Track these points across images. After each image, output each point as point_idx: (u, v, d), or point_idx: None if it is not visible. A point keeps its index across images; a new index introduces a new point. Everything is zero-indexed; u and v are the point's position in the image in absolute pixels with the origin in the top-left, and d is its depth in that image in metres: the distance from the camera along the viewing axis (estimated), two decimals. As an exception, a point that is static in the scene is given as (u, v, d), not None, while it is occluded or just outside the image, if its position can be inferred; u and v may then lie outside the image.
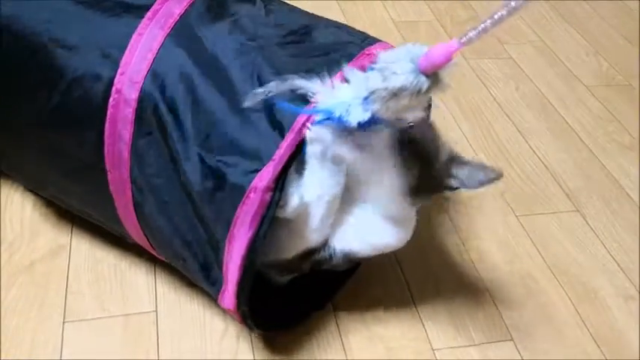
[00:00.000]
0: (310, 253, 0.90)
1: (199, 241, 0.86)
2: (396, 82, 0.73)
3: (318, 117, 0.78)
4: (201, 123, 0.81)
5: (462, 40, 0.70)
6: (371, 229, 0.90)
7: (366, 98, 0.75)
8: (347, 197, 0.88)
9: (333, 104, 0.77)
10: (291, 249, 0.90)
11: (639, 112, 1.52)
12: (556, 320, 1.06)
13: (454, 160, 0.88)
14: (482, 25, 0.69)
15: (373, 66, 0.76)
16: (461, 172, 0.86)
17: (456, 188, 0.88)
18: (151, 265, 1.06)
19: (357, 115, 0.76)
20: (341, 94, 0.78)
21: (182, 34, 0.85)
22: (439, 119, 1.43)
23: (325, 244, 0.90)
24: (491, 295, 1.08)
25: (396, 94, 0.73)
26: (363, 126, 0.77)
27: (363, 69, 0.79)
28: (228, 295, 0.86)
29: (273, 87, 0.78)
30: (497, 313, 1.05)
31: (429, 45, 0.74)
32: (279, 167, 0.77)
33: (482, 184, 0.86)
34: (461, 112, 1.46)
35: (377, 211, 0.89)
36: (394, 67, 0.73)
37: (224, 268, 0.84)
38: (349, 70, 0.79)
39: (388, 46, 0.88)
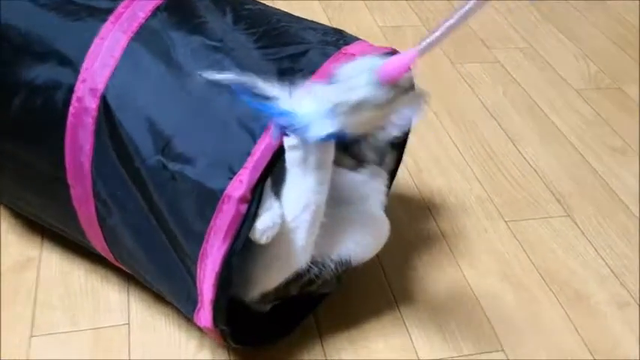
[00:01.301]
0: (299, 276, 0.85)
1: (168, 258, 0.81)
2: (355, 96, 0.70)
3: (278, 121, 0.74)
4: (163, 127, 0.77)
5: (420, 49, 0.68)
6: (366, 226, 0.87)
7: (329, 110, 0.72)
8: (335, 199, 0.84)
9: (295, 114, 0.74)
10: (278, 277, 0.84)
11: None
12: (548, 328, 1.02)
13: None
14: (439, 32, 0.67)
15: (334, 79, 0.73)
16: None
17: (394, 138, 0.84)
18: (124, 278, 1.01)
19: (319, 129, 0.72)
20: (302, 105, 0.74)
21: (146, 38, 0.81)
22: (426, 124, 1.40)
23: (314, 259, 0.85)
24: (480, 303, 1.04)
25: (356, 107, 0.71)
26: (324, 140, 0.73)
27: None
28: (204, 314, 0.81)
29: (232, 78, 0.74)
30: (486, 322, 1.01)
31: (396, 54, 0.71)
32: (256, 176, 0.72)
33: (411, 116, 0.78)
34: (449, 117, 1.43)
35: (374, 203, 0.86)
36: (353, 81, 0.71)
37: (198, 286, 0.79)
38: (312, 83, 0.76)
39: (366, 45, 0.84)
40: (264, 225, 0.74)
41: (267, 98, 0.74)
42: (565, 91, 1.55)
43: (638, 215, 1.23)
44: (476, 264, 1.11)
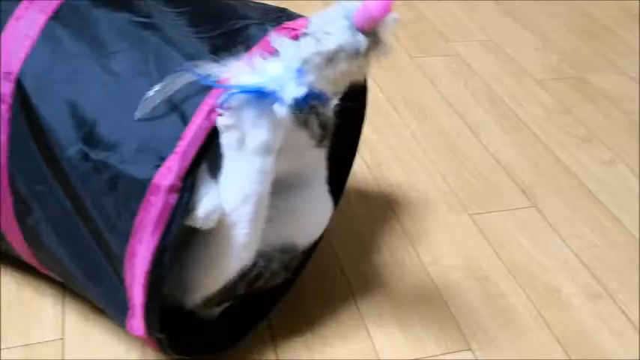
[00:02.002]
0: (244, 273, 0.77)
1: (94, 259, 0.73)
2: (330, 44, 0.65)
3: (238, 98, 0.67)
4: (85, 112, 0.69)
5: None
6: (313, 206, 0.81)
7: (299, 70, 0.67)
8: (277, 185, 0.76)
9: (261, 81, 0.67)
10: (220, 279, 0.76)
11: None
12: (518, 324, 0.96)
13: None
14: None
15: (305, 31, 0.68)
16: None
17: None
18: (59, 290, 0.92)
19: (292, 91, 0.67)
20: (269, 69, 0.68)
21: (67, 17, 0.73)
22: (385, 118, 1.35)
23: (258, 252, 0.78)
24: (445, 300, 0.98)
25: (331, 58, 0.66)
26: (299, 103, 0.67)
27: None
28: (136, 320, 0.73)
29: (173, 83, 0.67)
30: (452, 320, 0.95)
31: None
32: (187, 162, 0.65)
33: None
34: (409, 111, 1.38)
35: (317, 182, 0.80)
36: (328, 27, 0.66)
37: (128, 289, 0.71)
38: (277, 39, 0.70)
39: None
40: (205, 210, 0.68)
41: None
42: (527, 82, 1.51)
43: (605, 203, 1.19)
44: (440, 260, 1.04)
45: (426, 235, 1.09)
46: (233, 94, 0.66)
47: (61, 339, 0.87)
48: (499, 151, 1.29)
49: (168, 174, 0.64)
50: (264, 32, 0.72)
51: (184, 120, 0.66)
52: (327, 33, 0.65)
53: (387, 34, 0.67)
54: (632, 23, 1.81)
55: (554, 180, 1.23)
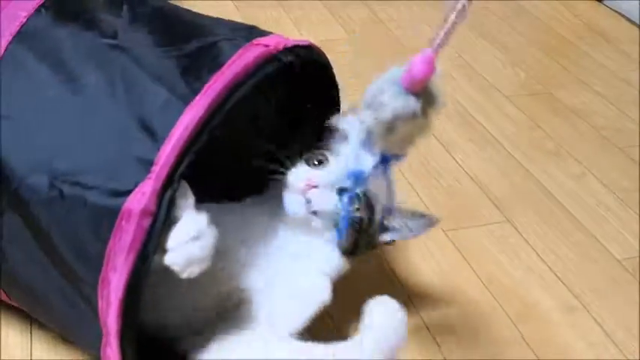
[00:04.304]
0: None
1: (59, 289, 0.70)
2: (386, 114, 0.66)
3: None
4: (48, 138, 0.67)
5: (434, 47, 0.66)
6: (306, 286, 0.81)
7: (366, 140, 0.71)
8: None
9: (343, 165, 0.75)
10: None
11: None
12: (495, 340, 0.95)
13: (385, 212, 0.80)
14: (446, 29, 0.66)
15: (362, 103, 0.70)
16: (396, 225, 0.81)
17: (393, 241, 0.82)
18: (26, 316, 0.89)
19: (368, 161, 0.73)
20: (344, 149, 0.75)
21: (29, 38, 0.71)
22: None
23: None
24: (422, 318, 0.97)
25: (391, 126, 0.67)
26: (379, 168, 0.73)
27: (259, 58, 0.70)
28: (112, 349, 0.70)
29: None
30: (429, 337, 0.94)
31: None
32: (160, 183, 0.63)
33: (417, 233, 0.81)
34: (379, 128, 1.37)
35: (314, 266, 0.80)
36: (380, 97, 0.67)
37: (101, 318, 0.68)
38: (340, 119, 0.75)
39: (279, 37, 0.77)
40: (175, 242, 0.64)
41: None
42: (495, 98, 1.53)
43: (577, 216, 1.20)
44: (415, 277, 1.04)
45: (402, 252, 1.08)
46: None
47: (28, 369, 0.84)
48: (471, 166, 1.29)
49: (141, 198, 0.62)
50: (235, 48, 0.71)
51: (157, 141, 0.64)
52: (381, 103, 0.66)
53: (438, 88, 0.68)
54: (597, 39, 1.84)
55: (527, 194, 1.24)
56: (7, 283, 0.76)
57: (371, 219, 0.79)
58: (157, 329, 0.77)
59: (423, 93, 0.66)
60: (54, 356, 0.85)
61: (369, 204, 0.78)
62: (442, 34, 0.66)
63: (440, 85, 0.69)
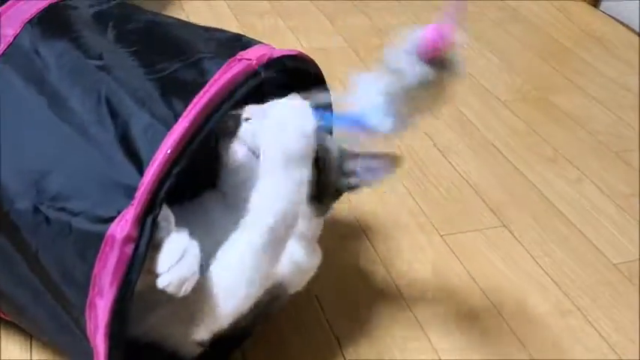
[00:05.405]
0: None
1: (51, 311, 0.71)
2: (402, 81, 0.69)
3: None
4: (35, 163, 0.67)
5: (450, 18, 0.68)
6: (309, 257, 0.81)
7: (383, 103, 0.71)
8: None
9: (359, 112, 0.73)
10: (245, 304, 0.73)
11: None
12: (493, 344, 0.96)
13: (345, 156, 0.79)
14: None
15: (383, 66, 0.71)
16: (359, 168, 0.79)
17: (355, 186, 0.80)
18: (27, 339, 0.89)
19: (385, 123, 0.73)
20: (360, 100, 0.74)
21: (16, 59, 0.72)
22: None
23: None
24: (420, 323, 0.98)
25: (409, 92, 0.69)
26: (391, 133, 0.74)
27: (239, 75, 0.70)
28: None
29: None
30: (427, 343, 0.95)
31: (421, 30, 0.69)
32: (141, 210, 0.63)
33: (380, 175, 0.79)
34: (377, 134, 1.38)
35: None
36: (397, 64, 0.69)
37: (91, 340, 0.68)
38: (357, 75, 0.74)
39: (265, 47, 0.78)
40: (165, 266, 0.65)
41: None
42: (492, 104, 1.54)
43: (573, 220, 1.21)
44: (413, 282, 1.04)
45: (400, 257, 1.09)
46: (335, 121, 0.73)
47: (29, 376, 0.84)
48: (468, 171, 1.31)
49: (124, 225, 0.63)
50: (218, 66, 0.71)
51: (140, 168, 0.64)
52: (398, 70, 0.68)
53: (456, 58, 0.70)
54: (593, 44, 1.86)
55: (523, 199, 1.25)
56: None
57: (326, 158, 0.77)
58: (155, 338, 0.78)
59: (439, 62, 0.68)
60: (53, 356, 0.86)
61: (324, 146, 0.77)
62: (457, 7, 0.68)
63: (459, 55, 0.70)
